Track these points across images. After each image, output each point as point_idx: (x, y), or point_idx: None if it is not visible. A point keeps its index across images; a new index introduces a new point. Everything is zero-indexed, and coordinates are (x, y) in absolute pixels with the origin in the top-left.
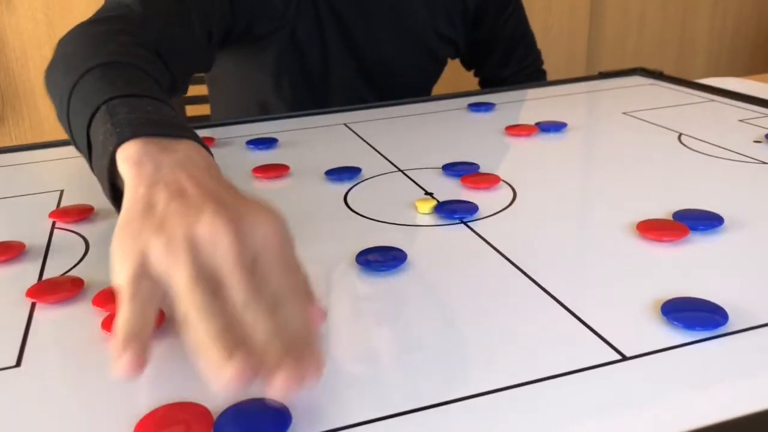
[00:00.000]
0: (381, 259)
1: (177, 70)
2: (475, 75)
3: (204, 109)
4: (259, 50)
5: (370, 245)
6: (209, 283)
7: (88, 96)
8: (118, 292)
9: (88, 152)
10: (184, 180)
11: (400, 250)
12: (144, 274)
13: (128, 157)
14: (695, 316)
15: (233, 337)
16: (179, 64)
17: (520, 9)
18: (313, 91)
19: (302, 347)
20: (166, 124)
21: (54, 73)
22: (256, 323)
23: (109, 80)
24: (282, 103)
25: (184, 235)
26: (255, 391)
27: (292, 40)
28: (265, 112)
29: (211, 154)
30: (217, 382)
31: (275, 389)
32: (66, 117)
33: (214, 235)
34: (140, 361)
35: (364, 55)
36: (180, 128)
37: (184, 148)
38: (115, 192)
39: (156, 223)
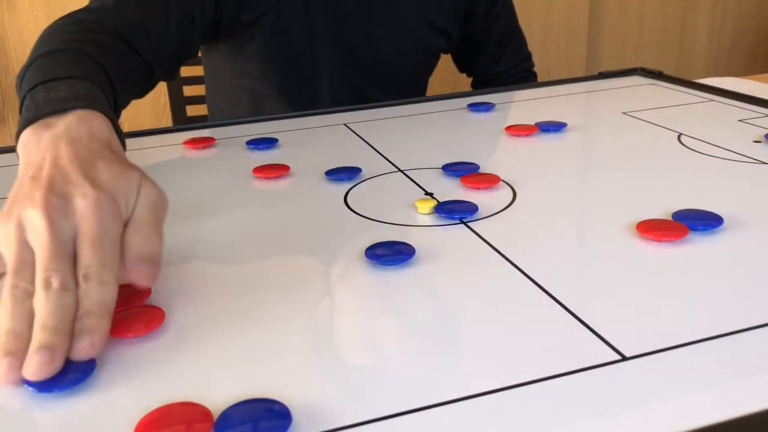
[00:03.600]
0: (389, 253)
1: (151, 55)
2: (469, 75)
3: (204, 110)
4: (248, 38)
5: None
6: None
7: (24, 86)
8: None
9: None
10: (47, 158)
11: (408, 245)
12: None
13: (21, 140)
14: None
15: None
16: (153, 50)
17: (510, 7)
18: (301, 78)
19: (88, 323)
20: (64, 100)
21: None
22: (40, 308)
23: (40, 69)
24: (271, 90)
25: (18, 218)
26: (255, 391)
27: (278, 26)
28: (255, 102)
29: (111, 118)
30: None
31: (27, 370)
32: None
33: (33, 219)
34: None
35: (353, 39)
36: (75, 99)
37: (68, 120)
38: None
39: (7, 207)
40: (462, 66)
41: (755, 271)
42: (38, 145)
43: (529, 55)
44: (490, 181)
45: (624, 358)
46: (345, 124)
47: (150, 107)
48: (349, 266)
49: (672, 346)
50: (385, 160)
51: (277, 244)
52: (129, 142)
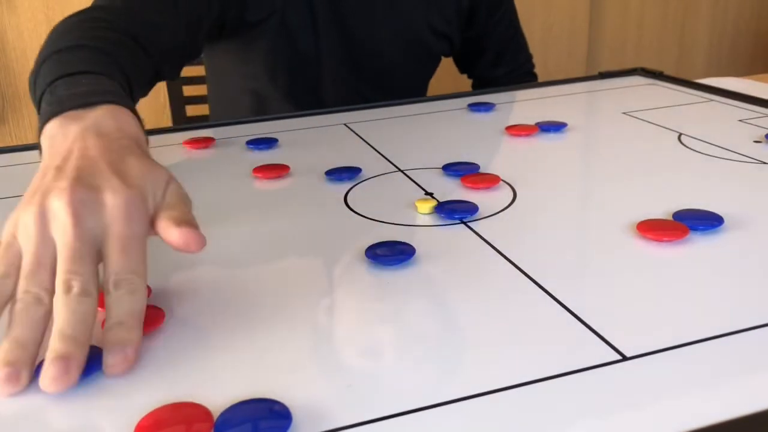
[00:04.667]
0: (389, 253)
1: (159, 55)
2: (469, 77)
3: (204, 109)
4: (253, 39)
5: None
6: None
7: (41, 80)
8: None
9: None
10: (74, 149)
11: (408, 244)
12: (13, 243)
13: (46, 133)
14: None
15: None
16: (161, 50)
17: (511, 10)
18: (306, 80)
19: (121, 334)
20: (90, 94)
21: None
22: (58, 314)
23: (60, 63)
24: (276, 93)
25: (40, 208)
26: (255, 391)
27: (283, 26)
28: (260, 104)
29: (136, 115)
30: None
31: (42, 382)
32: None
33: (58, 211)
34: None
35: (356, 43)
36: (103, 94)
37: (97, 114)
38: None
39: (29, 194)
40: (463, 68)
41: (756, 270)
42: (65, 137)
43: (529, 57)
44: (490, 181)
45: (624, 358)
46: (345, 124)
47: (149, 107)
48: (349, 266)
49: (672, 346)
50: (385, 160)
51: (276, 244)
52: None
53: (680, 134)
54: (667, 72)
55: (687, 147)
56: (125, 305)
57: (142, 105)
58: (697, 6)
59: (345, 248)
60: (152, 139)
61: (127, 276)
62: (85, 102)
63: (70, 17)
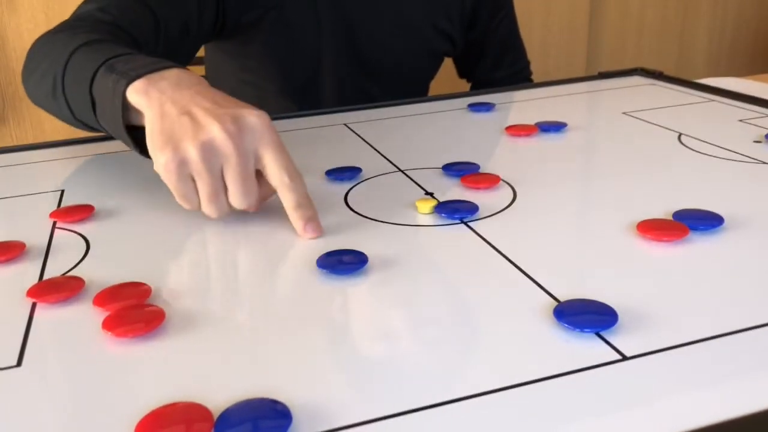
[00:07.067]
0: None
1: None
2: (468, 80)
3: None
4: (250, 38)
5: (371, 246)
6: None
7: (81, 68)
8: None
9: (93, 109)
10: (184, 95)
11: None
12: (183, 167)
13: (137, 90)
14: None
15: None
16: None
17: (511, 15)
18: (305, 74)
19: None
20: (154, 63)
21: (35, 72)
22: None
23: (96, 51)
24: (274, 86)
25: (201, 141)
26: (255, 391)
27: (281, 21)
28: (259, 99)
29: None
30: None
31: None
32: (62, 95)
33: (218, 141)
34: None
35: (360, 39)
36: (165, 63)
37: (173, 73)
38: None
39: (182, 132)
40: (462, 71)
41: (756, 270)
42: (161, 92)
43: (527, 64)
44: (490, 181)
45: (624, 358)
46: (345, 124)
47: None
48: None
49: (672, 346)
50: (385, 160)
51: (277, 243)
52: None
53: (680, 134)
54: (667, 72)
55: (687, 147)
56: (301, 189)
57: None
58: (697, 6)
59: (345, 248)
60: None
61: (293, 168)
62: (156, 68)
63: (59, 28)
